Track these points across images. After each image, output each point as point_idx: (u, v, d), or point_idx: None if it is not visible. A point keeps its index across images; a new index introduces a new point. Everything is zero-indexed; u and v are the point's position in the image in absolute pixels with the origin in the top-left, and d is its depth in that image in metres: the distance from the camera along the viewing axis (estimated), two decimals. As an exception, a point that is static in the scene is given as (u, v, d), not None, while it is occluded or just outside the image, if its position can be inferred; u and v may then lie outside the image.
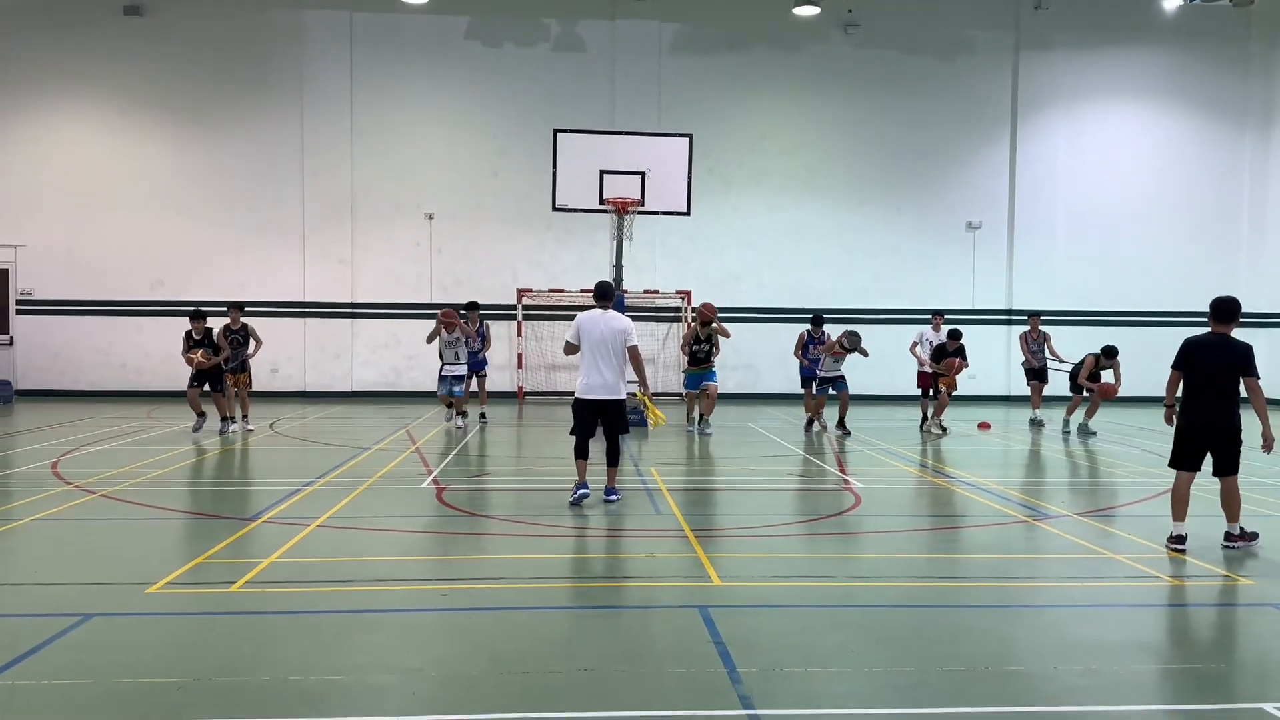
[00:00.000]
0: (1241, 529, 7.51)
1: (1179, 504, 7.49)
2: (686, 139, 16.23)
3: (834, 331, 15.45)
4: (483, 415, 16.57)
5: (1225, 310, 7.57)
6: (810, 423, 15.49)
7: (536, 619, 5.70)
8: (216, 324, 14.77)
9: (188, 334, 14.06)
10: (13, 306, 21.15)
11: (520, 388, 21.45)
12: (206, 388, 14.16)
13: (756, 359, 21.77)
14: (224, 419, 14.22)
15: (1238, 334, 7.61)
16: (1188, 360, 7.57)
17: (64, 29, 20.88)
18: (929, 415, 15.79)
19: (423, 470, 11.22)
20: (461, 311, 15.92)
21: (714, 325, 14.96)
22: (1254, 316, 21.14)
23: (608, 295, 9.11)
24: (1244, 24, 22.53)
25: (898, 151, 22.42)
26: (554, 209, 16.14)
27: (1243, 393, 7.40)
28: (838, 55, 22.20)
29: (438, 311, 15.52)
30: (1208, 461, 7.50)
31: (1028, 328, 17.14)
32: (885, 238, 22.46)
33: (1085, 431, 15.24)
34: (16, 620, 5.54)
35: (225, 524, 8.18)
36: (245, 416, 15.05)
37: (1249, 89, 22.65)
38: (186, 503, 9.45)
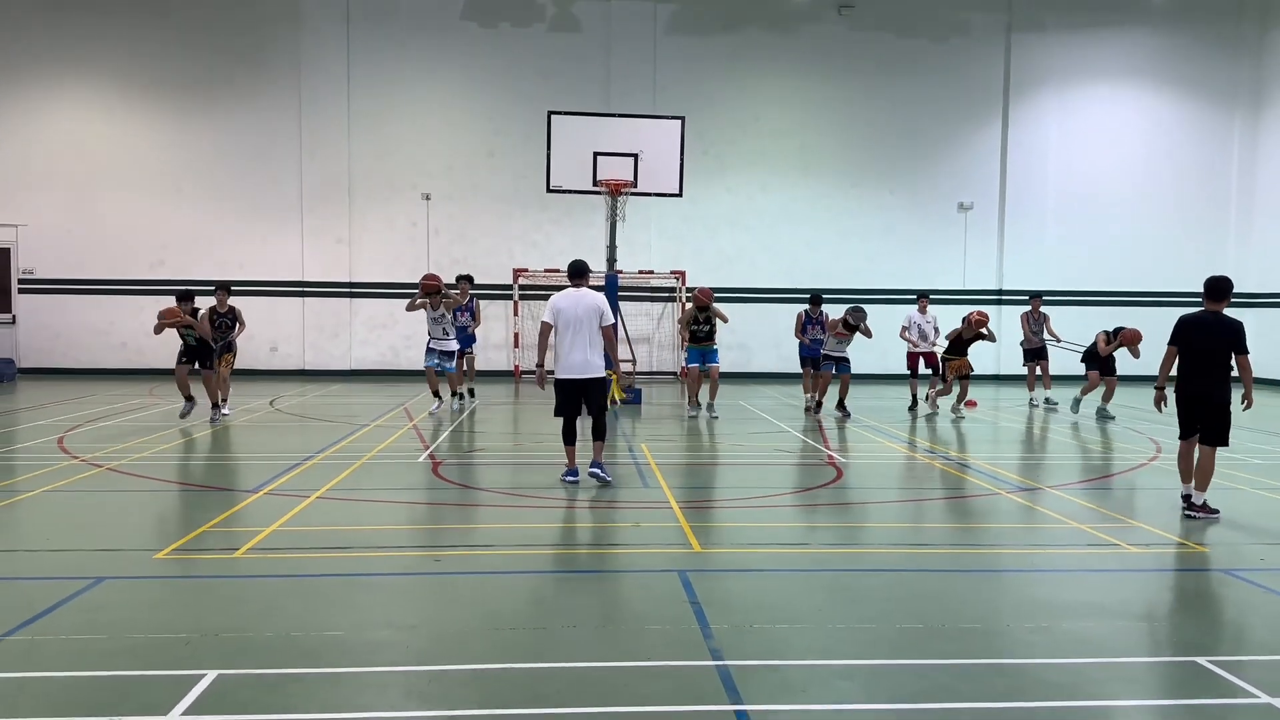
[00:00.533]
0: (1205, 502, 7.87)
1: (1183, 466, 8.14)
2: (679, 121, 16.42)
3: (832, 312, 15.40)
4: (472, 391, 16.66)
5: (1218, 289, 7.97)
6: (818, 405, 15.15)
7: (525, 582, 6.02)
8: (206, 304, 14.55)
9: (170, 311, 13.32)
10: (14, 285, 21.41)
11: (517, 366, 21.73)
12: (196, 366, 13.60)
13: (750, 339, 22.03)
14: (214, 405, 13.65)
15: (1229, 313, 7.97)
16: (1182, 336, 7.98)
17: (63, 8, 21.00)
18: (919, 397, 15.98)
19: (419, 446, 11.53)
20: (454, 289, 15.96)
21: (712, 309, 15.11)
22: (1242, 296, 21.25)
23: (582, 274, 9.27)
24: (1234, 6, 22.71)
25: (890, 133, 22.60)
26: (548, 190, 16.37)
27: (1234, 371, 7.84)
28: (832, 37, 22.35)
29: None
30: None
31: (1029, 308, 17.29)
32: (878, 219, 22.69)
33: (1104, 415, 14.87)
34: (32, 583, 5.87)
35: (228, 495, 8.50)
36: (225, 400, 14.27)
37: (1239, 71, 22.81)
38: (190, 476, 9.77)
